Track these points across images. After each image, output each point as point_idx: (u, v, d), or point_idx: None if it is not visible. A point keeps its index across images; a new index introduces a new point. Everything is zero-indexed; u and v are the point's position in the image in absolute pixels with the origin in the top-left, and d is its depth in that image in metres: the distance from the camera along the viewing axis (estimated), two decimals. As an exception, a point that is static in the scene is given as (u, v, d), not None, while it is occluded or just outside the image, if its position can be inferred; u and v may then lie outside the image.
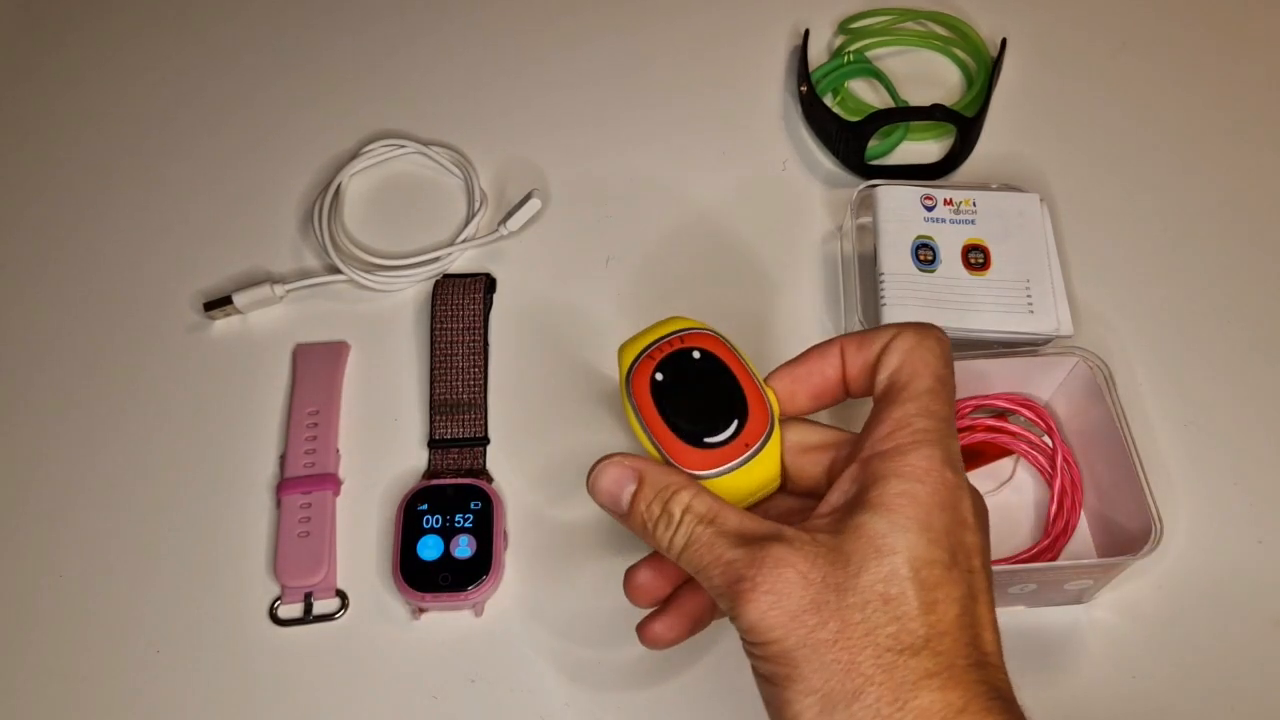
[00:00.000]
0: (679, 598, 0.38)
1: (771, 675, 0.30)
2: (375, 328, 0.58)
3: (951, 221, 0.54)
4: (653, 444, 0.36)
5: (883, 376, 0.34)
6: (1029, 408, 0.51)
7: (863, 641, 0.29)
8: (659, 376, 0.36)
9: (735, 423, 0.35)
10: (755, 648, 0.30)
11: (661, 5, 0.70)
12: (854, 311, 0.53)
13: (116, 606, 0.49)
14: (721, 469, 0.35)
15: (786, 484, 0.37)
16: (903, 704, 0.28)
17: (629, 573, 0.38)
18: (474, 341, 0.55)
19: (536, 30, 0.69)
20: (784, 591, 0.30)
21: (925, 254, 0.53)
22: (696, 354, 0.37)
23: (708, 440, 0.35)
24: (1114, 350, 0.55)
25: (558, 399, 0.55)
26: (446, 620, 0.49)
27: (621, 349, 0.38)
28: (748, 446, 0.35)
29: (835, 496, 0.33)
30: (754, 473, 0.35)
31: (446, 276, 0.58)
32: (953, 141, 0.61)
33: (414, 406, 0.55)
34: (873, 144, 0.62)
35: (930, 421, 0.32)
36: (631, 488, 0.34)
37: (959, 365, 0.49)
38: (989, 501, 0.51)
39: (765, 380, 0.37)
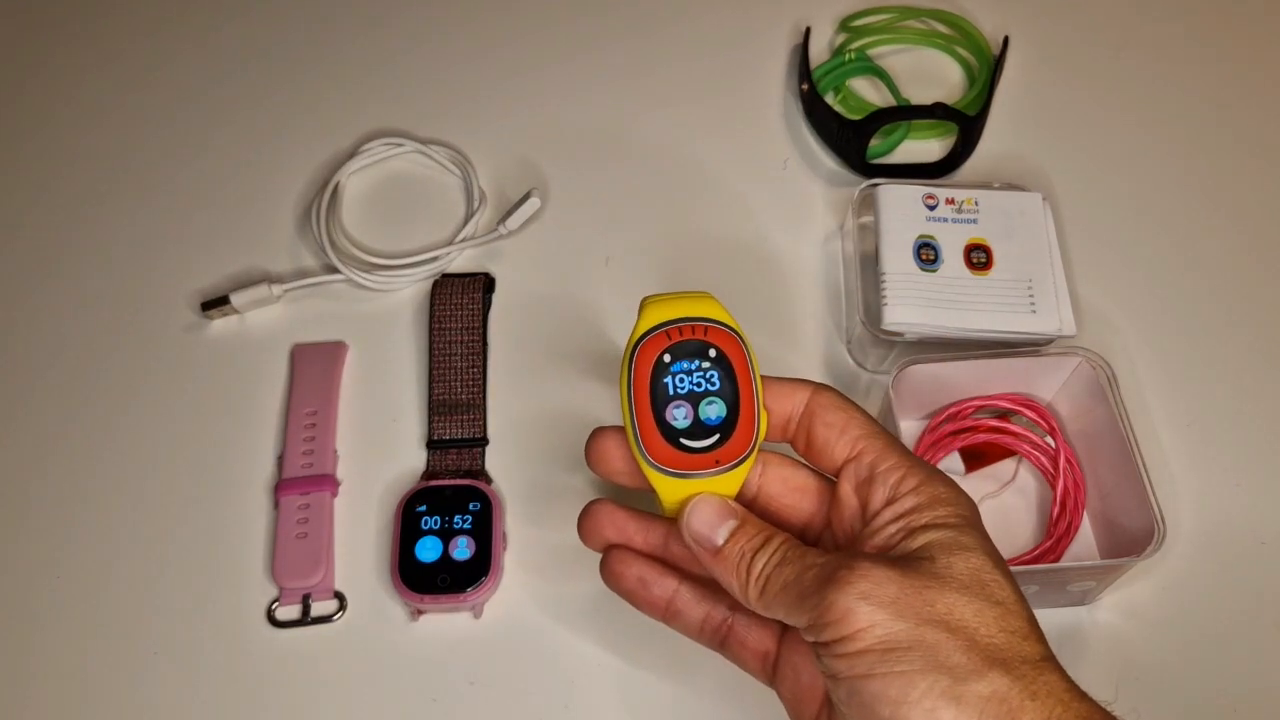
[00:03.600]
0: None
1: (869, 670, 0.29)
2: (373, 328, 0.57)
3: (953, 221, 0.54)
4: (630, 416, 0.35)
5: (839, 437, 0.35)
6: (1031, 408, 0.51)
7: (975, 620, 0.29)
8: (666, 358, 0.35)
9: (717, 436, 0.35)
10: (849, 641, 0.30)
11: (662, 3, 0.70)
12: (855, 311, 0.53)
13: (113, 608, 0.49)
14: (680, 472, 0.35)
15: (756, 511, 0.37)
16: (1031, 679, 0.29)
17: (595, 434, 0.38)
18: (473, 341, 0.55)
19: (536, 28, 0.69)
20: (881, 579, 0.30)
21: (927, 253, 0.53)
22: (712, 352, 0.36)
23: (683, 441, 0.35)
24: (1116, 350, 0.55)
25: (557, 399, 0.55)
26: (445, 622, 0.49)
27: (645, 305, 0.37)
28: (718, 463, 0.35)
29: (879, 539, 0.33)
30: (708, 488, 0.35)
31: (445, 276, 0.58)
32: (954, 140, 0.61)
33: (412, 407, 0.55)
34: (874, 143, 0.61)
35: (920, 460, 0.34)
36: (733, 524, 0.34)
37: (961, 365, 0.49)
38: (991, 503, 0.51)
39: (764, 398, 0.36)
